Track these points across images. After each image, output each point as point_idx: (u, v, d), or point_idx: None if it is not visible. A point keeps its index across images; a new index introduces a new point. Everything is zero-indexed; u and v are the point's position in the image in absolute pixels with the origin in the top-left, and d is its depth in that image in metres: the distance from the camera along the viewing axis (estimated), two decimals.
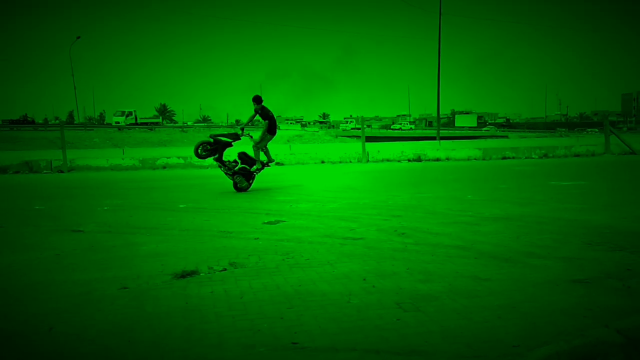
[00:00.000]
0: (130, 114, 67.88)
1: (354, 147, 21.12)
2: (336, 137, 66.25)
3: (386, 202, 9.30)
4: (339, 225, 7.16)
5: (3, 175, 16.40)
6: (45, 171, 17.27)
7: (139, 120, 68.34)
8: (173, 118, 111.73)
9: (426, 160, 20.36)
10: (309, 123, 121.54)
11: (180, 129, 63.38)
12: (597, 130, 70.23)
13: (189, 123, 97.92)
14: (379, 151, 20.55)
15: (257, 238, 6.43)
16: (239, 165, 11.00)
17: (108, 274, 4.92)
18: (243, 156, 11.08)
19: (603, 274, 4.53)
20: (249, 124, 12.15)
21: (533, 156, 21.19)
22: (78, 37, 63.68)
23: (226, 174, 10.94)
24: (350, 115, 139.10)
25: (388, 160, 20.23)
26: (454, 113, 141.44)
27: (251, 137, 11.30)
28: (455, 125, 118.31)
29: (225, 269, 5.02)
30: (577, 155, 21.56)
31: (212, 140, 10.79)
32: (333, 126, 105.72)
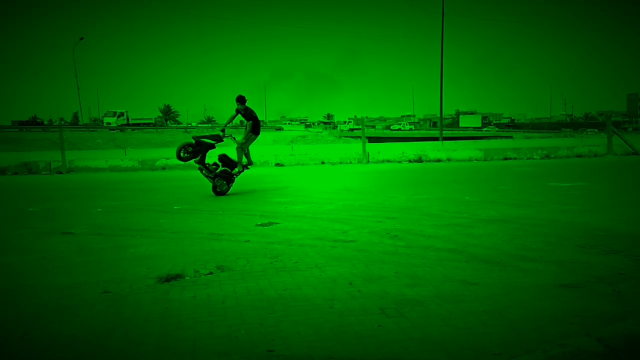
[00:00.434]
0: (121, 114, 66.59)
1: (355, 148, 21.06)
2: (340, 137, 66.17)
3: (382, 203, 9.21)
4: (332, 228, 7.08)
5: (1, 177, 16.39)
6: (44, 172, 17.24)
7: (130, 121, 67.05)
8: (177, 119, 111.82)
9: (427, 161, 20.24)
10: (313, 124, 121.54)
11: (183, 130, 63.32)
12: (596, 130, 69.84)
13: (193, 124, 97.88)
14: (379, 152, 20.44)
15: (248, 240, 6.36)
16: (220, 168, 10.71)
17: (92, 278, 4.85)
18: (224, 158, 10.79)
19: (594, 279, 4.44)
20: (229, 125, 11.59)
21: (535, 157, 21.05)
22: (81, 39, 63.62)
23: (207, 177, 10.61)
24: (355, 116, 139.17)
25: (388, 161, 20.12)
26: (458, 113, 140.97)
27: (234, 138, 11.03)
28: (460, 125, 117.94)
29: (211, 273, 4.95)
30: (580, 156, 21.41)
31: (194, 142, 10.47)
32: (336, 127, 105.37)
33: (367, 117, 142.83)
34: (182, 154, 10.35)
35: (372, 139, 62.71)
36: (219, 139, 10.57)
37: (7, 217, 8.77)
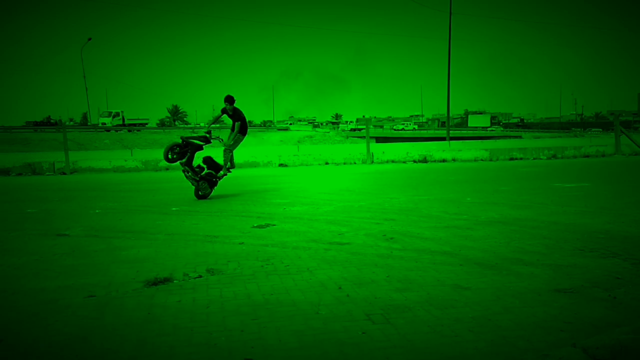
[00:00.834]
0: (117, 114, 65.21)
1: (359, 148, 20.92)
2: (347, 138, 66.07)
3: (382, 205, 9.12)
4: (329, 230, 6.99)
5: (5, 177, 16.42)
6: (47, 173, 17.26)
7: (126, 121, 66.09)
8: (185, 119, 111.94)
9: (432, 161, 20.10)
10: (321, 124, 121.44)
11: (190, 130, 63.41)
12: (600, 130, 69.25)
13: (201, 124, 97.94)
14: (383, 152, 20.32)
15: (242, 243, 6.28)
16: (206, 171, 10.30)
17: (80, 281, 4.79)
18: (209, 161, 10.39)
19: (590, 283, 4.33)
20: (213, 126, 11.24)
21: (541, 157, 20.85)
22: (89, 39, 63.83)
23: (191, 179, 10.07)
24: (364, 116, 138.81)
25: (393, 161, 19.99)
26: (467, 113, 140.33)
27: (221, 140, 10.70)
28: (468, 125, 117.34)
29: (200, 276, 4.87)
30: (587, 156, 21.20)
31: (181, 142, 9.99)
32: (338, 126, 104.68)
33: (375, 117, 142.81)
34: (169, 156, 9.88)
35: (380, 139, 62.70)
36: (206, 140, 10.16)
37: (4, 218, 8.74)
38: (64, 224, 7.80)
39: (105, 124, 61.26)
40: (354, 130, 78.09)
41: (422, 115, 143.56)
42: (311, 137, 62.56)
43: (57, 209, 9.40)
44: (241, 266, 5.20)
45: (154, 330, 3.50)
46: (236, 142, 10.81)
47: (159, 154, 22.28)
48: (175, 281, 4.72)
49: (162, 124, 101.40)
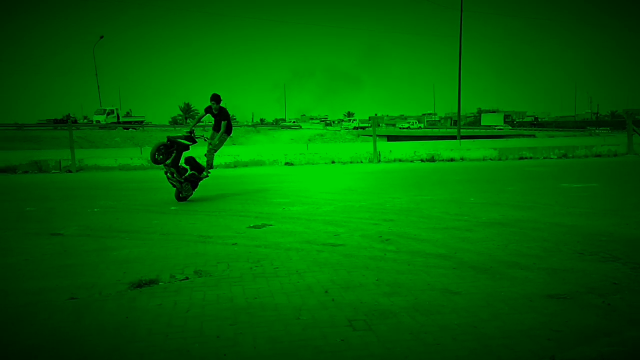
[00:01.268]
0: (111, 112, 64.12)
1: (366, 147, 20.75)
2: (358, 136, 65.80)
3: (383, 205, 8.98)
4: (325, 230, 6.87)
5: (11, 175, 16.48)
6: (53, 171, 17.30)
7: (121, 119, 65.07)
8: (197, 117, 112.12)
9: (440, 160, 19.90)
10: (333, 122, 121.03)
11: (201, 128, 63.48)
12: (608, 129, 68.37)
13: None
14: (390, 151, 20.14)
15: (235, 243, 6.18)
16: (189, 172, 9.97)
17: (65, 282, 4.71)
18: (192, 161, 10.03)
19: (585, 289, 4.17)
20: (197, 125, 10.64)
21: (552, 156, 20.56)
22: (101, 37, 64.22)
23: (175, 180, 9.69)
24: (376, 114, 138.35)
25: (400, 160, 19.81)
26: (480, 111, 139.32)
27: (205, 138, 10.38)
28: (482, 124, 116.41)
29: (187, 278, 4.78)
30: (598, 156, 20.87)
31: (168, 142, 9.59)
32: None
33: (387, 115, 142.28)
34: (157, 157, 9.42)
35: (391, 138, 62.43)
36: (192, 140, 9.81)
37: (2, 217, 8.72)
38: (60, 223, 7.75)
39: (99, 121, 60.17)
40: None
41: (435, 114, 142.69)
42: (322, 135, 62.47)
43: (56, 208, 9.36)
44: (230, 268, 5.10)
45: (128, 335, 3.41)
46: (221, 142, 10.50)
47: None
48: (160, 283, 4.64)
49: (174, 122, 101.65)
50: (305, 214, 8.22)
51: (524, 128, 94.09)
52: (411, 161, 19.85)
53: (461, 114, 43.22)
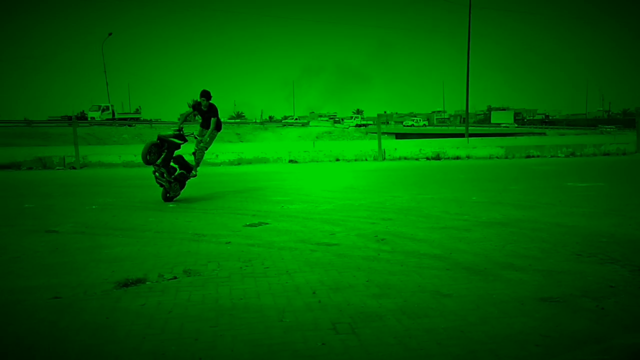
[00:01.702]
0: (106, 108, 62.54)
1: (371, 144, 20.59)
2: (366, 134, 65.52)
3: (383, 203, 8.87)
4: (321, 229, 6.78)
5: (15, 172, 16.49)
6: (58, 167, 17.30)
7: (116, 116, 63.46)
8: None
9: (445, 158, 19.72)
10: (342, 120, 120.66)
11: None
12: (614, 127, 67.70)
13: (223, 119, 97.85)
14: (396, 149, 19.98)
15: (229, 242, 6.10)
16: (178, 171, 9.64)
17: (52, 281, 4.65)
18: (181, 160, 9.67)
19: (580, 292, 4.06)
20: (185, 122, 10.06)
21: (559, 155, 20.33)
22: (110, 34, 64.32)
23: (165, 180, 9.29)
24: (385, 112, 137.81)
25: (405, 158, 19.65)
26: (490, 109, 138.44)
27: (196, 137, 10.06)
28: (492, 121, 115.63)
29: (175, 277, 4.70)
30: (607, 154, 20.61)
31: (159, 141, 9.25)
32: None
33: (396, 113, 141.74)
34: (148, 157, 9.09)
35: (399, 135, 62.11)
36: (184, 138, 9.50)
37: (0, 213, 8.69)
38: (57, 220, 7.71)
39: (94, 118, 58.65)
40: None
41: (445, 112, 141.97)
42: (330, 132, 62.27)
43: (55, 205, 9.33)
44: (220, 267, 5.03)
45: (106, 337, 3.33)
46: (212, 140, 10.17)
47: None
48: (147, 283, 4.56)
49: (184, 119, 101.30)
50: (304, 212, 8.13)
51: (535, 126, 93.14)
52: (416, 159, 19.69)
53: (471, 111, 42.92)
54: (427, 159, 19.59)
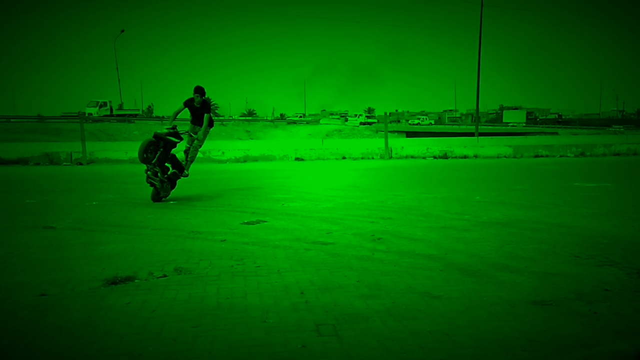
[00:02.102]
0: (104, 104, 61.03)
1: (378, 142, 20.46)
2: (376, 132, 65.25)
3: (385, 202, 8.78)
4: (319, 228, 6.71)
5: (22, 167, 16.55)
6: (65, 163, 17.34)
7: (114, 112, 61.68)
8: (217, 111, 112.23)
9: (452, 157, 19.56)
10: (346, 117, 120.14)
11: (219, 123, 63.25)
12: (622, 127, 66.92)
13: (235, 116, 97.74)
14: (402, 147, 19.85)
15: (224, 240, 6.05)
16: (171, 170, 9.33)
17: (40, 278, 4.61)
18: (174, 160, 9.37)
19: (574, 295, 3.96)
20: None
21: (568, 154, 20.12)
22: (122, 31, 64.53)
23: (159, 181, 8.97)
24: (396, 110, 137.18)
25: (412, 157, 19.52)
26: (502, 108, 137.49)
27: (191, 134, 9.73)
28: (503, 121, 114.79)
29: (165, 276, 4.65)
30: (617, 154, 20.37)
31: (156, 140, 8.94)
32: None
33: (408, 111, 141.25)
34: (146, 155, 8.77)
35: (410, 134, 61.80)
36: (179, 136, 9.23)
37: (1, 209, 8.69)
38: (56, 216, 7.69)
39: (91, 114, 56.87)
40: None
41: (456, 110, 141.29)
42: (340, 130, 62.07)
43: (56, 201, 9.32)
44: (212, 265, 4.97)
45: (83, 336, 3.28)
46: (205, 137, 9.87)
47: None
48: (136, 280, 4.51)
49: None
50: (304, 210, 8.06)
51: (547, 125, 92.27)
52: (423, 158, 19.55)
53: (483, 111, 42.57)
54: (434, 157, 19.45)
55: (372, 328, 3.37)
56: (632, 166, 16.29)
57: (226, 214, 7.82)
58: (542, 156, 19.75)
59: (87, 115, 55.68)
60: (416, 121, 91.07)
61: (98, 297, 4.07)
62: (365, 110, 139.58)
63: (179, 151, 9.82)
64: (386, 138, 19.51)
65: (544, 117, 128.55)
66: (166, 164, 9.19)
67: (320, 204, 8.68)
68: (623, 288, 4.11)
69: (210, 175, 13.77)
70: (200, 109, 9.69)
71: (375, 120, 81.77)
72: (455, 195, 9.49)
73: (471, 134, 40.25)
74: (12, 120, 52.16)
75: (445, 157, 19.37)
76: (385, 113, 21.03)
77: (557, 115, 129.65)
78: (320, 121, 79.86)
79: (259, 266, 4.93)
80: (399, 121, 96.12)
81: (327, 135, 55.04)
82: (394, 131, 64.07)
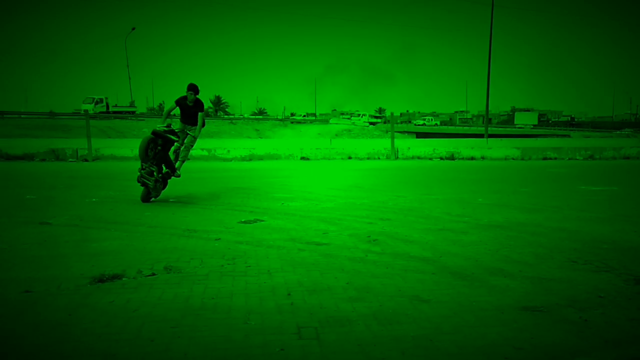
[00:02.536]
0: (100, 101, 59.52)
1: (385, 143, 20.34)
2: (386, 132, 65.02)
3: (385, 203, 8.70)
4: (315, 228, 6.64)
5: (28, 163, 16.62)
6: (70, 159, 17.40)
7: (110, 109, 60.48)
8: (227, 110, 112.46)
9: (459, 158, 19.42)
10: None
11: (229, 121, 63.44)
12: (631, 130, 66.25)
13: (245, 115, 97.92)
14: (409, 148, 19.74)
15: (218, 239, 5.99)
16: (164, 170, 9.06)
17: (28, 274, 4.58)
18: (168, 159, 9.08)
19: (566, 301, 3.86)
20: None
21: (577, 157, 19.91)
22: (133, 29, 64.75)
23: (154, 181, 8.67)
24: (407, 111, 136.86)
25: (418, 157, 19.39)
26: (514, 110, 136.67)
27: (188, 133, 9.53)
28: (515, 122, 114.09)
29: (153, 274, 4.60)
30: (627, 158, 20.12)
31: (155, 137, 8.67)
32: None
33: (419, 112, 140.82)
34: (149, 153, 8.61)
35: (420, 135, 61.57)
36: (177, 134, 9.04)
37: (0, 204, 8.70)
38: (53, 212, 7.68)
39: (87, 111, 53.75)
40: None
41: (468, 112, 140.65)
42: (349, 130, 61.94)
43: (56, 197, 9.32)
44: (202, 264, 4.92)
45: (60, 335, 3.23)
46: (198, 135, 9.74)
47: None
48: (124, 279, 4.46)
49: (206, 114, 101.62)
50: (303, 210, 8.00)
51: (559, 128, 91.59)
52: (430, 159, 19.42)
53: (495, 112, 42.34)
54: (441, 158, 19.31)
55: (354, 332, 3.30)
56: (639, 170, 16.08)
57: (224, 213, 7.77)
58: (550, 158, 19.56)
59: (82, 111, 54.69)
60: (421, 122, 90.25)
61: (82, 295, 4.02)
62: (376, 110, 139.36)
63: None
64: (392, 138, 19.40)
65: (557, 119, 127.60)
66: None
67: (321, 203, 8.61)
68: (618, 295, 4.00)
69: (213, 174, 13.75)
70: (194, 108, 9.52)
71: (380, 121, 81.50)
72: (457, 197, 9.38)
73: (481, 135, 40.01)
74: (22, 116, 52.38)
75: (452, 158, 19.23)
76: (392, 114, 20.96)
77: (569, 118, 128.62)
78: (330, 121, 79.71)
79: (249, 266, 4.87)
80: (409, 122, 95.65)
81: (336, 135, 54.94)
82: (404, 132, 63.96)
